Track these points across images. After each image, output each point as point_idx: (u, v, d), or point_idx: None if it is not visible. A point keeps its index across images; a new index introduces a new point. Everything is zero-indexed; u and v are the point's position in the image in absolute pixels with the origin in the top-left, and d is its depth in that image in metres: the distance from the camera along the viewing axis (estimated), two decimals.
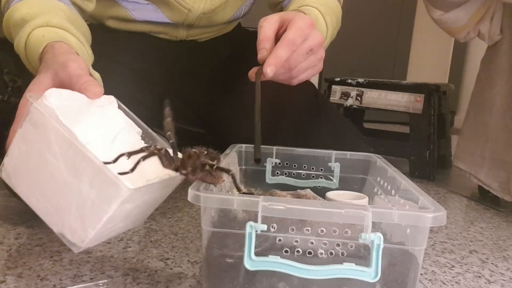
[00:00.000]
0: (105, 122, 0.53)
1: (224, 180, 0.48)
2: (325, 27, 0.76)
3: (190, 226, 0.79)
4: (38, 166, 0.45)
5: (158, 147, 0.48)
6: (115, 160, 0.45)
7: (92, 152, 0.43)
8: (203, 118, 1.05)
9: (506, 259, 0.75)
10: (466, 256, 0.75)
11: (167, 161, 0.47)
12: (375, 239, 0.42)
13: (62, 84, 0.53)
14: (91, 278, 0.57)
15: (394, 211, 0.43)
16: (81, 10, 0.75)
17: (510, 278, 0.67)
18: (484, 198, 1.12)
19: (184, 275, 0.60)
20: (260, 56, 0.63)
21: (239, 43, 1.05)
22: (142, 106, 0.92)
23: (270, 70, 0.61)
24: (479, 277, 0.67)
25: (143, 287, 0.56)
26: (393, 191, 0.60)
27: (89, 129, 0.50)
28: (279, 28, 0.66)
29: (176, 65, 0.98)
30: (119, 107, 0.57)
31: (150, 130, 0.59)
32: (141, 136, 0.59)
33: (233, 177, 0.48)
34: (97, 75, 0.62)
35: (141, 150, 0.46)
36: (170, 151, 0.49)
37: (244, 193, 0.49)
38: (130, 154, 0.45)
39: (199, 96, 1.01)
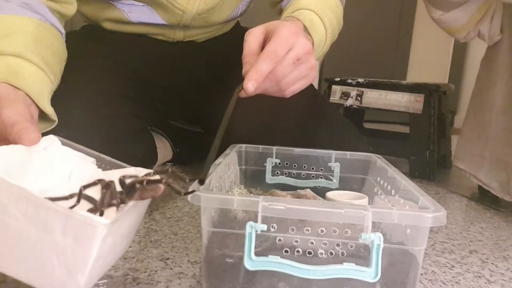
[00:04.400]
0: (54, 164, 0.52)
1: (163, 188, 0.47)
2: (323, 29, 0.73)
3: (190, 226, 0.79)
4: (2, 234, 0.42)
5: (108, 180, 0.49)
6: (77, 199, 0.45)
7: (51, 201, 0.42)
8: (202, 118, 1.05)
9: (506, 259, 0.75)
10: (466, 256, 0.75)
11: (109, 196, 0.47)
12: (375, 239, 0.42)
13: None
14: None
15: (394, 211, 0.43)
16: (62, 16, 0.71)
17: (510, 278, 0.67)
18: (484, 198, 1.12)
19: (184, 275, 0.60)
20: (244, 71, 0.60)
21: (238, 43, 1.05)
22: (141, 106, 0.92)
23: (251, 85, 0.57)
24: (479, 277, 0.67)
25: (143, 287, 0.56)
26: (393, 191, 0.60)
27: (41, 177, 0.48)
28: (264, 39, 0.63)
29: (174, 65, 0.98)
30: (63, 143, 0.55)
31: (102, 156, 0.58)
32: (96, 164, 0.57)
33: (168, 184, 0.46)
34: (50, 110, 0.59)
35: (94, 183, 0.47)
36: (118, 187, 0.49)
37: (186, 193, 0.46)
38: (85, 187, 0.46)
39: (198, 96, 1.01)
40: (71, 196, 0.47)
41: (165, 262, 0.63)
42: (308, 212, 0.43)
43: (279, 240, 0.45)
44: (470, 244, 0.81)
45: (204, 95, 1.00)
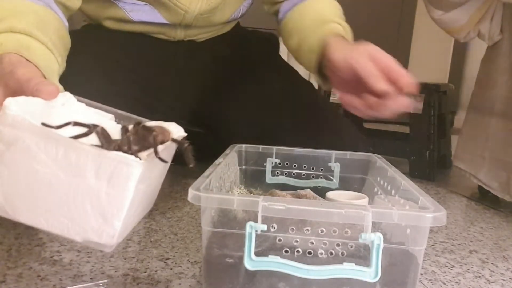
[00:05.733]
0: (73, 119, 0.50)
1: (171, 134, 0.46)
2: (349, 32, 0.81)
3: (190, 226, 0.79)
4: (31, 183, 0.41)
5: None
6: (59, 126, 0.43)
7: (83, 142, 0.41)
8: (202, 118, 1.05)
9: (506, 259, 0.75)
10: (466, 256, 0.75)
11: (134, 139, 0.45)
12: (375, 239, 0.42)
13: (14, 93, 0.49)
14: (91, 278, 0.57)
15: (394, 211, 0.43)
16: (66, 9, 0.71)
17: (510, 278, 0.67)
18: (484, 198, 1.12)
19: (184, 275, 0.60)
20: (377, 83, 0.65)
21: (238, 43, 1.05)
22: (141, 105, 0.92)
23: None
24: (479, 277, 0.67)
25: (143, 287, 0.56)
26: (393, 191, 0.60)
27: (61, 132, 0.46)
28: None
29: (174, 65, 0.98)
30: (79, 100, 0.54)
31: (120, 112, 0.57)
32: (115, 120, 0.57)
33: (186, 155, 0.45)
34: (61, 87, 0.58)
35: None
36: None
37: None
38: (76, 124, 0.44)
39: (198, 96, 1.01)
40: (90, 132, 0.45)
41: (165, 262, 0.63)
42: (308, 212, 0.43)
43: (279, 240, 0.45)
44: (470, 244, 0.81)
45: (204, 95, 1.00)
